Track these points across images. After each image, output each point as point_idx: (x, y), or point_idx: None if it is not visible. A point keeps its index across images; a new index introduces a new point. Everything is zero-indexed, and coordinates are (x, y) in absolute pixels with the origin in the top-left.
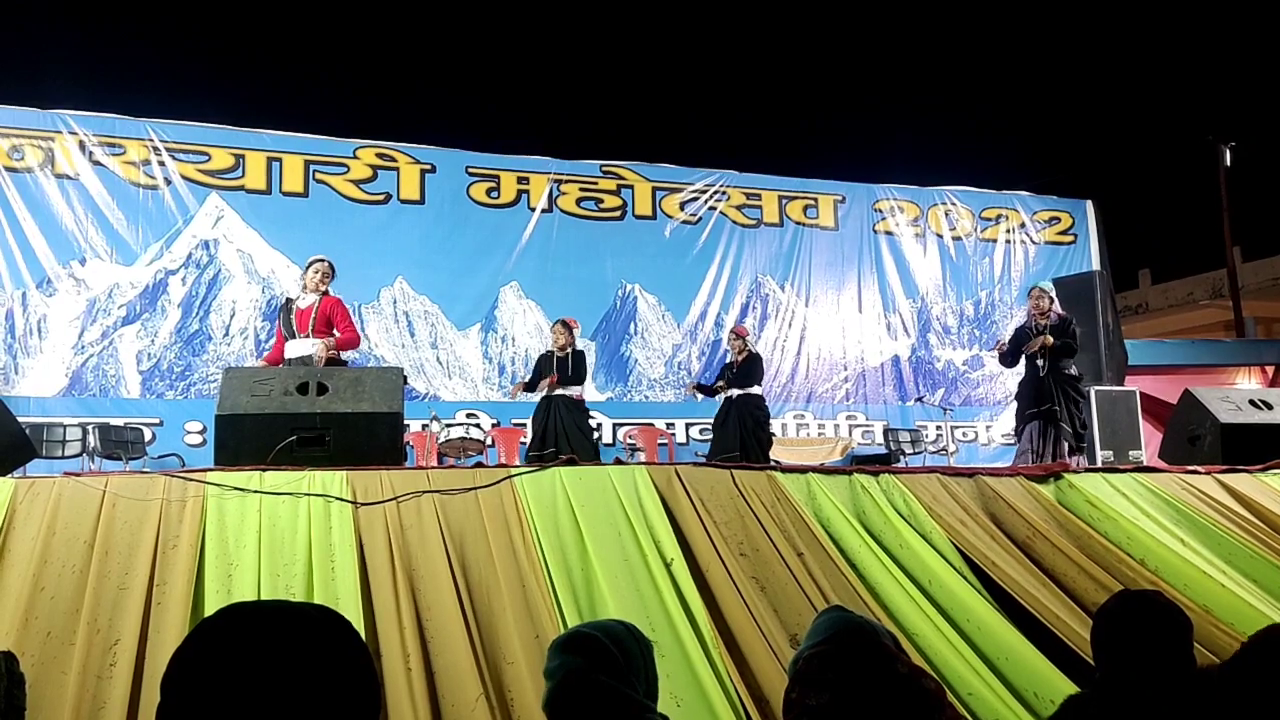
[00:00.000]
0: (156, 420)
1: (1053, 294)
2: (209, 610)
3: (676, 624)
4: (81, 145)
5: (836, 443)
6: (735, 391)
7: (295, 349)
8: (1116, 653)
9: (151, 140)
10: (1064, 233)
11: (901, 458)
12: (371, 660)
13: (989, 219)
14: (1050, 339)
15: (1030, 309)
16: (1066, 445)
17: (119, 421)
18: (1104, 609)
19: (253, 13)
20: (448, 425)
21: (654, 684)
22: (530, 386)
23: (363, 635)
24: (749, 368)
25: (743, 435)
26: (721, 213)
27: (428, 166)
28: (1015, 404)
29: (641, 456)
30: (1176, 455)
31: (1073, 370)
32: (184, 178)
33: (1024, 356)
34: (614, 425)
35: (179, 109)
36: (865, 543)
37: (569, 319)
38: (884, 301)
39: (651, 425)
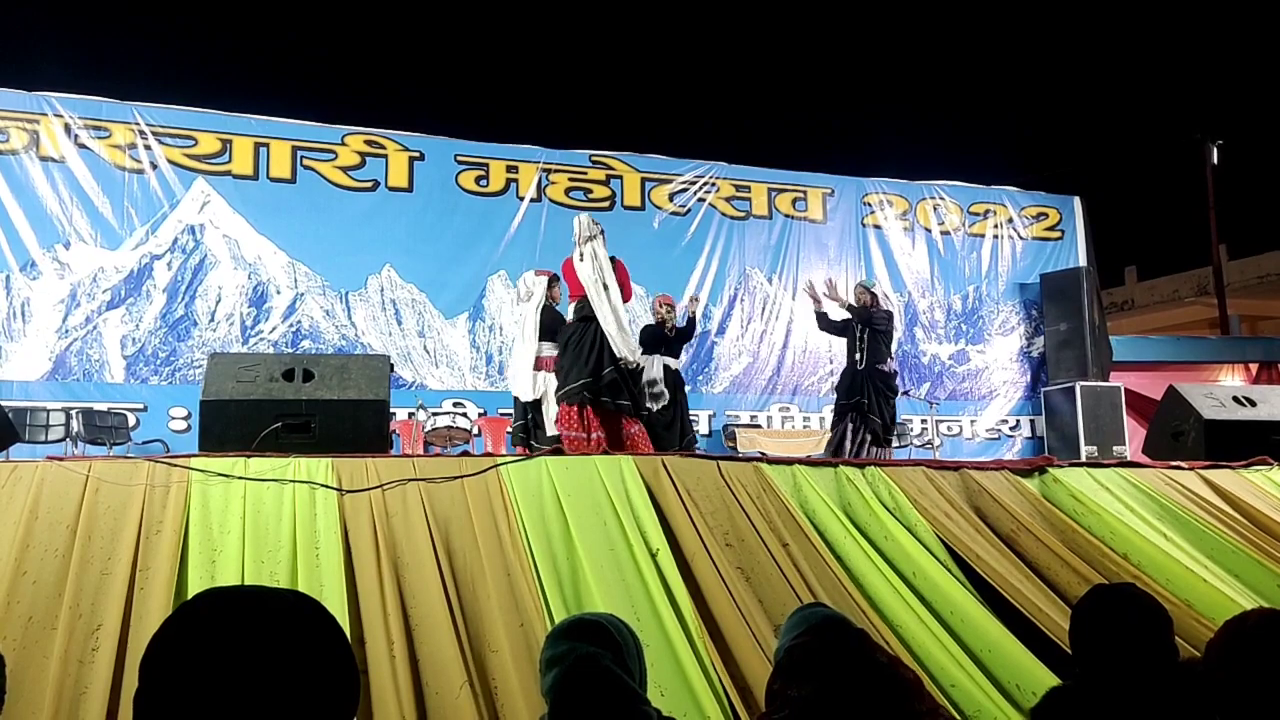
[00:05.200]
0: (141, 406)
1: (874, 290)
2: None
3: (661, 613)
4: (67, 128)
5: (822, 435)
6: (674, 362)
7: None
8: (1095, 645)
9: (138, 124)
10: (1051, 228)
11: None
12: (349, 646)
13: (977, 214)
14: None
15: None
16: (872, 437)
17: (103, 406)
18: (1081, 603)
19: None
20: (434, 414)
21: (644, 678)
22: None
23: (347, 623)
24: (687, 334)
25: (682, 418)
26: (710, 204)
27: (416, 154)
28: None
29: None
30: (1160, 451)
31: (887, 368)
32: (170, 162)
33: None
34: None
35: (166, 93)
36: (850, 534)
37: None
38: None
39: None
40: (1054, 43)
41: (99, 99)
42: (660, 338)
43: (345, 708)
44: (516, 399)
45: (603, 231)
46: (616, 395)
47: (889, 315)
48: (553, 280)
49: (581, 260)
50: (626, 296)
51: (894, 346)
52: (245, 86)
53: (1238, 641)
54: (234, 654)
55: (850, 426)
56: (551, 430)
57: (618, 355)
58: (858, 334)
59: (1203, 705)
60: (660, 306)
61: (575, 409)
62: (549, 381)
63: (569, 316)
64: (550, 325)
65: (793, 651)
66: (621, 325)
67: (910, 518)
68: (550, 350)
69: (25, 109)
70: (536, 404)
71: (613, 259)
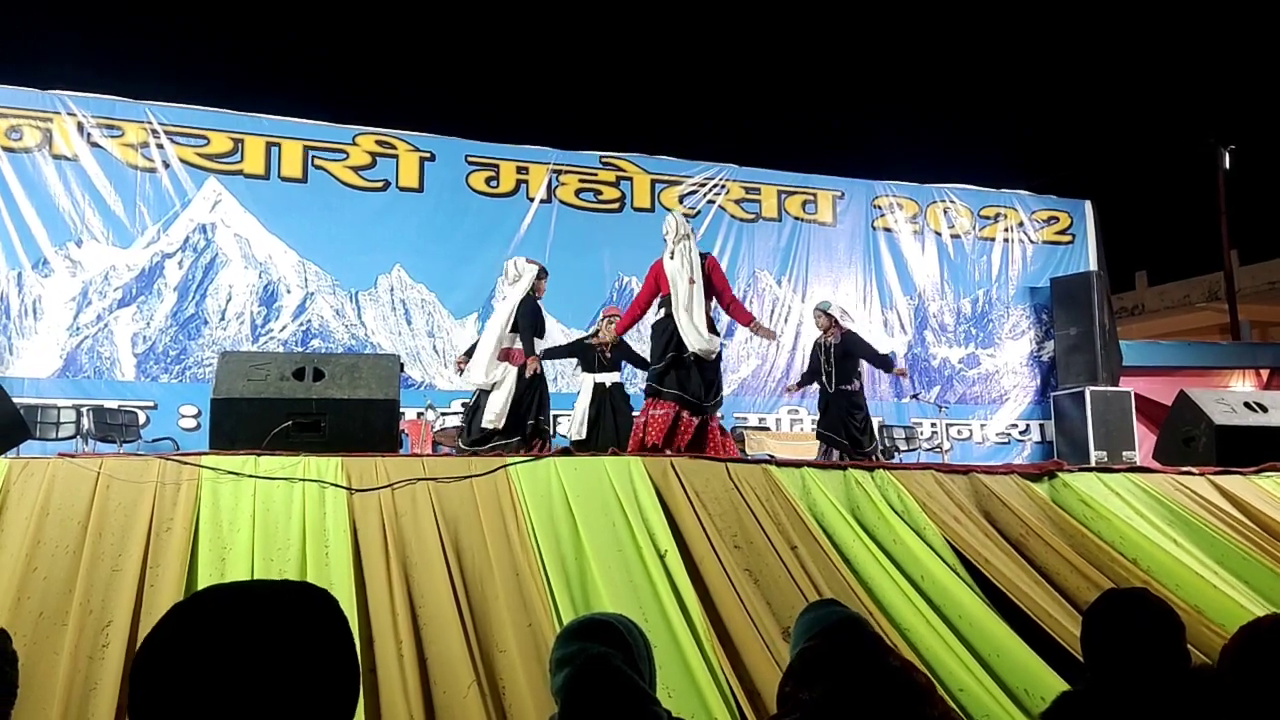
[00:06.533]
0: (151, 403)
1: (830, 312)
2: None
3: (669, 615)
4: (80, 127)
5: None
6: (609, 379)
7: None
8: (1106, 650)
9: (150, 123)
10: (1062, 232)
11: (896, 454)
12: (350, 635)
13: (988, 217)
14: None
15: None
16: (847, 456)
17: (113, 404)
18: (1093, 607)
19: None
20: (443, 414)
21: (654, 678)
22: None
23: (355, 621)
24: (624, 351)
25: (618, 431)
26: (720, 206)
27: (427, 154)
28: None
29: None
30: (1171, 456)
31: (852, 386)
32: (182, 161)
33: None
34: None
35: (179, 92)
36: (859, 537)
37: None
38: (881, 298)
39: None
40: (1066, 46)
41: (112, 98)
42: (590, 356)
43: (344, 696)
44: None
45: (692, 232)
46: (669, 383)
47: (847, 337)
48: (542, 272)
49: (672, 258)
50: (723, 291)
51: (890, 346)
52: (257, 86)
53: (1252, 646)
54: (224, 650)
55: (825, 449)
56: (488, 421)
57: (688, 346)
58: (823, 360)
59: (1214, 711)
60: (605, 320)
61: (650, 400)
62: (508, 373)
63: (655, 315)
64: (528, 317)
65: (804, 653)
66: (694, 317)
67: (919, 521)
68: (519, 344)
69: (38, 107)
70: (485, 391)
71: (706, 255)
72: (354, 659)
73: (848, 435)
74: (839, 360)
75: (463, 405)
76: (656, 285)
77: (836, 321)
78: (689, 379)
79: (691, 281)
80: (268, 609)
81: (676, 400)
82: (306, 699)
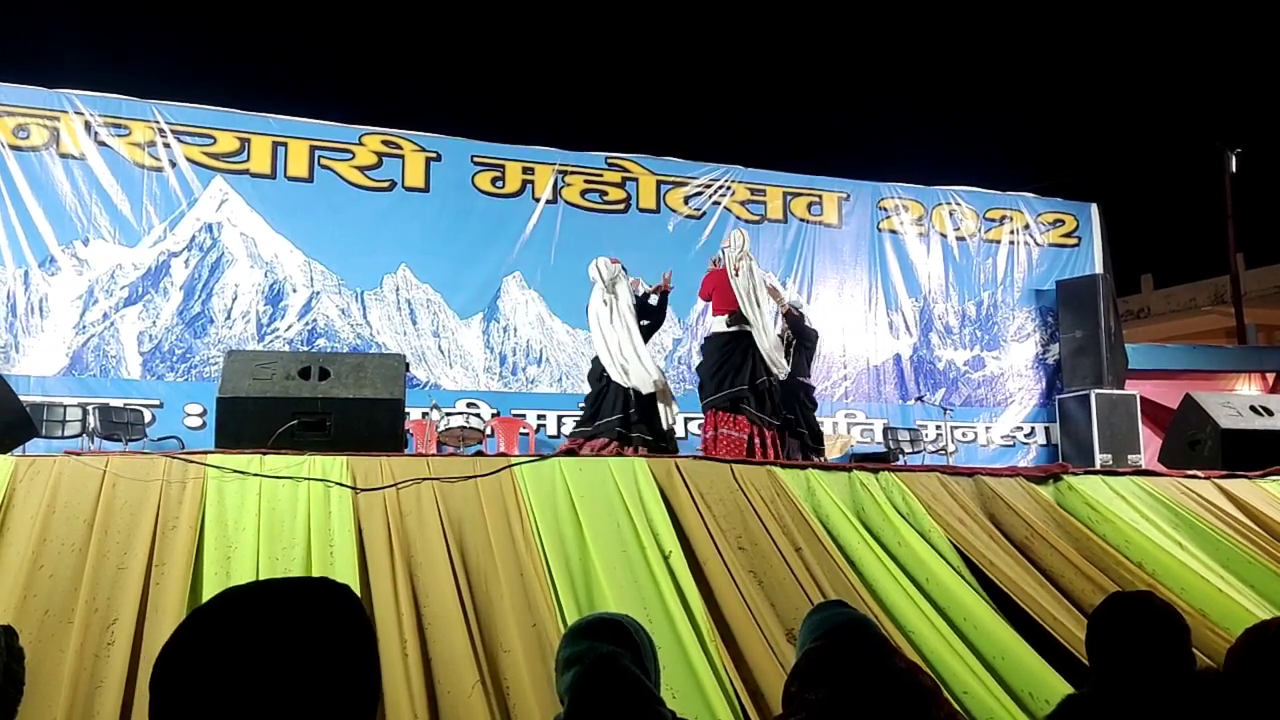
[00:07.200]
0: (156, 402)
1: (800, 309)
2: (207, 592)
3: (673, 616)
4: (87, 125)
5: (836, 440)
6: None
7: None
8: (1111, 653)
9: (157, 122)
10: (1068, 235)
11: (900, 456)
12: (371, 629)
13: (993, 220)
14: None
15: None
16: (799, 444)
17: (119, 402)
18: (1098, 610)
19: None
20: (447, 414)
21: (659, 679)
22: None
23: None
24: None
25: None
26: (726, 208)
27: (433, 155)
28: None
29: (643, 449)
30: (1176, 460)
31: (809, 379)
32: (189, 160)
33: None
34: None
35: (186, 91)
36: (863, 540)
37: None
38: (886, 300)
39: None
40: (1073, 48)
41: (119, 97)
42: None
43: (368, 691)
44: (609, 388)
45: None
46: (761, 407)
47: (816, 335)
48: (623, 269)
49: (737, 275)
50: None
51: (815, 364)
52: (264, 86)
53: (1259, 649)
54: (248, 648)
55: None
56: (668, 423)
57: (773, 371)
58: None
59: (1219, 714)
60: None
61: (729, 415)
62: (664, 374)
63: (720, 327)
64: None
65: (810, 654)
66: (774, 343)
67: (924, 523)
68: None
69: (46, 106)
70: (647, 398)
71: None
72: (375, 653)
73: (808, 426)
74: (798, 351)
75: (467, 404)
76: (710, 294)
77: (805, 319)
78: (780, 402)
79: (759, 304)
80: (289, 606)
81: (773, 426)
82: (333, 695)
